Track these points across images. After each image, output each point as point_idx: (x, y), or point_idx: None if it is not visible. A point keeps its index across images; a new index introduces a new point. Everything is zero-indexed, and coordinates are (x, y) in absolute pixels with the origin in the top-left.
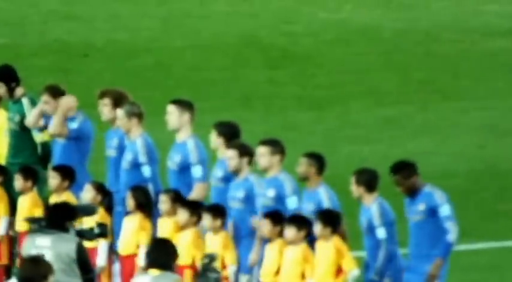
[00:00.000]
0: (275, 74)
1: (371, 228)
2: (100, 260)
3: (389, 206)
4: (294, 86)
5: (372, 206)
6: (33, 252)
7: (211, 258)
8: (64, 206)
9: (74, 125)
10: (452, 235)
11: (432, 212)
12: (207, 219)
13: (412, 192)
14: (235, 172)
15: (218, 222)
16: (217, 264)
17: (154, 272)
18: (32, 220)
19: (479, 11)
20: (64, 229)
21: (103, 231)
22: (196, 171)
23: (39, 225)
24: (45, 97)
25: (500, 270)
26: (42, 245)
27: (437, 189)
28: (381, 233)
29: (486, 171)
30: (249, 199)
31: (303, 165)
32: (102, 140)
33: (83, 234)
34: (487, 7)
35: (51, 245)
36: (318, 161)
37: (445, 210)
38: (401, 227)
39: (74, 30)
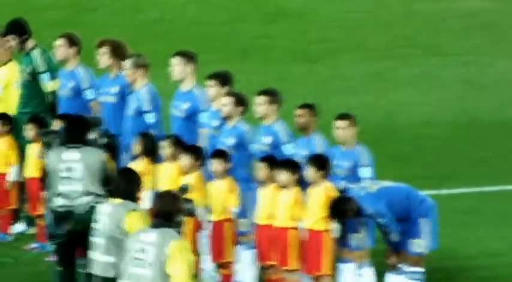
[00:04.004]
0: (270, 28)
1: None
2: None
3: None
4: (288, 40)
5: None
6: (61, 166)
7: (184, 189)
8: (79, 119)
9: (76, 80)
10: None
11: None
12: (214, 164)
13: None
14: (227, 118)
15: (224, 167)
16: (190, 195)
17: (115, 201)
18: (46, 132)
19: None
20: (84, 142)
21: (110, 142)
22: (202, 117)
23: (53, 137)
24: (58, 41)
25: (479, 213)
26: (70, 159)
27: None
28: None
29: (465, 122)
30: (239, 146)
31: (305, 116)
32: None
33: (91, 144)
34: None
35: (80, 158)
36: (316, 111)
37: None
38: None
39: None
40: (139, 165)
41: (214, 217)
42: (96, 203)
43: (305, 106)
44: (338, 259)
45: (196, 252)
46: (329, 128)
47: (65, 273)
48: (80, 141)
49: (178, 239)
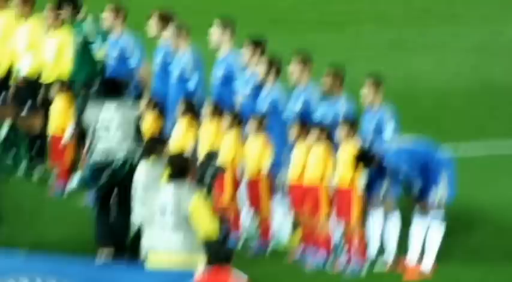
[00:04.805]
0: (298, 1)
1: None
2: None
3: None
4: (315, 11)
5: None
6: (99, 122)
7: (211, 155)
8: (113, 80)
9: (121, 48)
10: None
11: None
12: (251, 124)
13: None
14: (261, 83)
15: (260, 128)
16: (216, 161)
17: (150, 159)
18: (80, 92)
19: None
20: (119, 100)
21: (156, 105)
22: (238, 82)
23: (88, 96)
24: (105, 12)
25: (493, 171)
26: (107, 115)
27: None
28: None
29: (479, 89)
30: (273, 110)
31: (331, 81)
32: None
33: (125, 102)
34: None
35: (116, 115)
36: (341, 76)
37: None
38: None
39: None
40: (181, 126)
41: (249, 174)
42: (132, 155)
43: (331, 72)
44: (367, 207)
45: (235, 208)
46: (352, 93)
47: (102, 223)
48: (115, 99)
49: (195, 192)
